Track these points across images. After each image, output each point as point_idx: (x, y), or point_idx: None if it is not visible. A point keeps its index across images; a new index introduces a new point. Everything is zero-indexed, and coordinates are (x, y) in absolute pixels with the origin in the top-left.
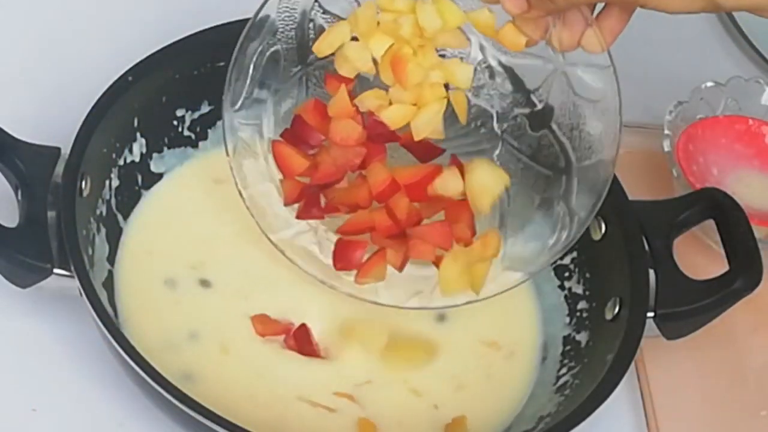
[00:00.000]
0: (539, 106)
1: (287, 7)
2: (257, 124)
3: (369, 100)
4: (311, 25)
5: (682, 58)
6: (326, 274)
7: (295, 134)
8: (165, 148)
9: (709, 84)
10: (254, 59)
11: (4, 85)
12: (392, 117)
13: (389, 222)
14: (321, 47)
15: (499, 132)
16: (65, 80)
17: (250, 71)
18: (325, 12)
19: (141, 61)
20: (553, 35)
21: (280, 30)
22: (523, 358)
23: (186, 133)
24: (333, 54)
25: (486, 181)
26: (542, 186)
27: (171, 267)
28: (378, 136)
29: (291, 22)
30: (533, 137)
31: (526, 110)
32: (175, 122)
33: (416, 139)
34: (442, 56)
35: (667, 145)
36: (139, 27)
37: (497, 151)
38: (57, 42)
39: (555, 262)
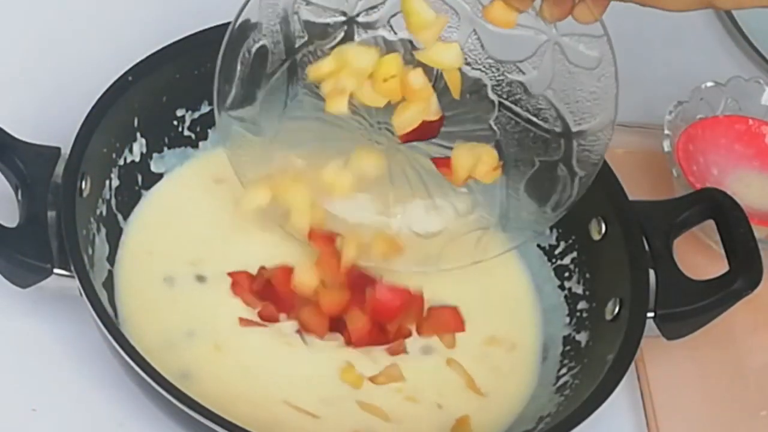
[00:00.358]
0: (534, 73)
1: (270, 2)
2: (251, 116)
3: (350, 251)
4: (296, 17)
5: (682, 58)
6: None
7: (265, 293)
8: (165, 148)
9: (709, 84)
10: (241, 57)
11: (4, 85)
12: (379, 255)
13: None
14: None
15: (494, 99)
16: (65, 80)
17: (238, 69)
18: (308, 3)
19: (141, 61)
20: (543, 8)
21: (265, 26)
22: (525, 352)
23: (186, 133)
24: (317, 45)
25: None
26: (542, 148)
27: (170, 266)
28: (359, 285)
29: (274, 17)
30: (530, 101)
31: (521, 77)
32: (176, 122)
33: (401, 134)
34: None
35: (667, 145)
36: (139, 27)
37: (493, 116)
38: (57, 42)
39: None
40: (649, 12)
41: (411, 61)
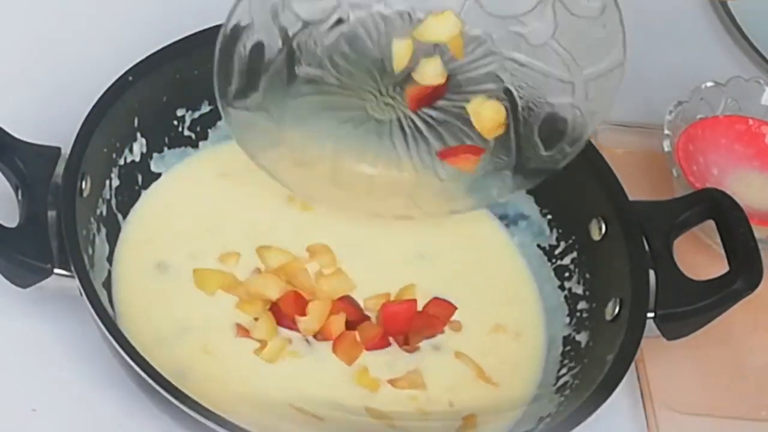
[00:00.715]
0: (536, 25)
1: (259, 2)
2: (256, 104)
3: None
4: (287, 11)
5: (682, 58)
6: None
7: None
8: (165, 148)
9: (709, 84)
10: (237, 54)
11: (4, 85)
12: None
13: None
14: None
15: (499, 50)
16: (65, 80)
17: (236, 65)
18: None
19: (141, 61)
20: None
21: (257, 23)
22: (532, 340)
23: (186, 133)
24: (312, 28)
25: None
26: (552, 91)
27: (165, 253)
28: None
29: (266, 14)
30: (534, 48)
31: (523, 29)
32: (176, 122)
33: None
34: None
35: (667, 145)
36: (139, 27)
37: (499, 65)
38: (57, 42)
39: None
40: (648, 12)
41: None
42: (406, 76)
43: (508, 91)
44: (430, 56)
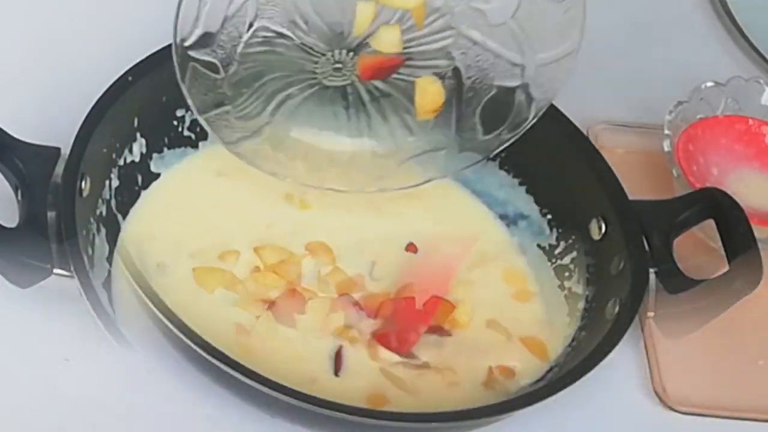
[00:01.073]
0: (497, 3)
1: None
2: (209, 53)
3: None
4: None
5: (682, 58)
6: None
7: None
8: (165, 148)
9: (709, 84)
10: (199, 2)
11: (4, 85)
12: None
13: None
14: None
15: (455, 26)
16: (65, 80)
17: (196, 15)
18: None
19: (141, 61)
20: None
21: None
22: (530, 340)
23: (186, 133)
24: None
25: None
26: (501, 74)
27: (165, 253)
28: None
29: None
30: (492, 29)
31: (484, 6)
32: (175, 122)
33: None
34: None
35: (667, 145)
36: (139, 27)
37: (453, 42)
38: (57, 42)
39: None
40: (648, 12)
41: None
42: (361, 42)
43: (456, 70)
44: (389, 24)
